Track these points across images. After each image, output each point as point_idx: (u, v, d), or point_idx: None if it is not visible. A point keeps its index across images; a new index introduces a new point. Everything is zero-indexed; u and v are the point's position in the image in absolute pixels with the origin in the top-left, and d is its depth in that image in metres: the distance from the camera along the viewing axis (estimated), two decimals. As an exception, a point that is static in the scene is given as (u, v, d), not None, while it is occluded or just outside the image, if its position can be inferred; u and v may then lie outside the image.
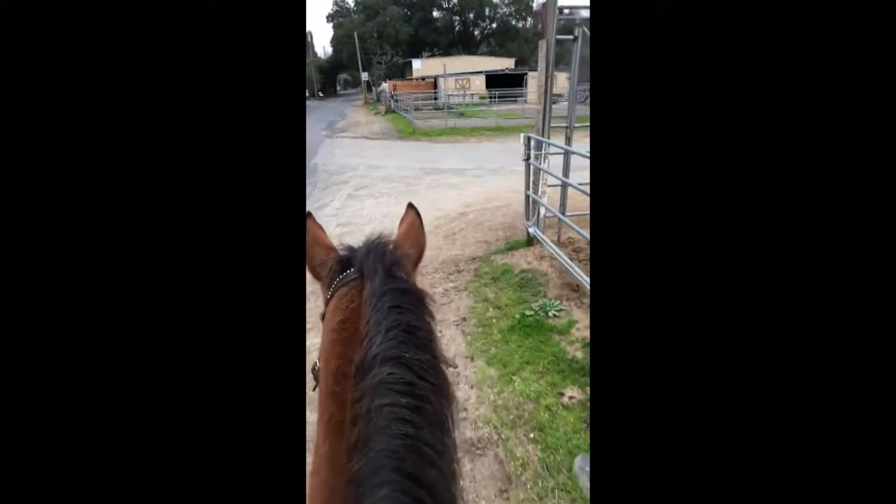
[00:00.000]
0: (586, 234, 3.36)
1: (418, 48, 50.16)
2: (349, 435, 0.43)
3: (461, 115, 20.66)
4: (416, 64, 35.87)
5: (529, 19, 56.86)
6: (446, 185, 8.61)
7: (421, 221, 0.78)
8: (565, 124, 4.36)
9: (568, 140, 4.46)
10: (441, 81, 28.29)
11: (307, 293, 0.63)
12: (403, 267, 0.62)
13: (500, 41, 54.43)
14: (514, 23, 57.01)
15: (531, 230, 4.35)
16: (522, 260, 4.26)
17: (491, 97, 25.58)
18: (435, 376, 0.49)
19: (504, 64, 36.17)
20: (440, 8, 55.85)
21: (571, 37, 4.06)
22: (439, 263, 4.64)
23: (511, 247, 4.72)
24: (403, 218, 0.79)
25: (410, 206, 0.80)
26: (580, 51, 4.04)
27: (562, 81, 33.55)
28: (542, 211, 4.45)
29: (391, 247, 0.64)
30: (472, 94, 28.74)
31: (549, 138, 4.25)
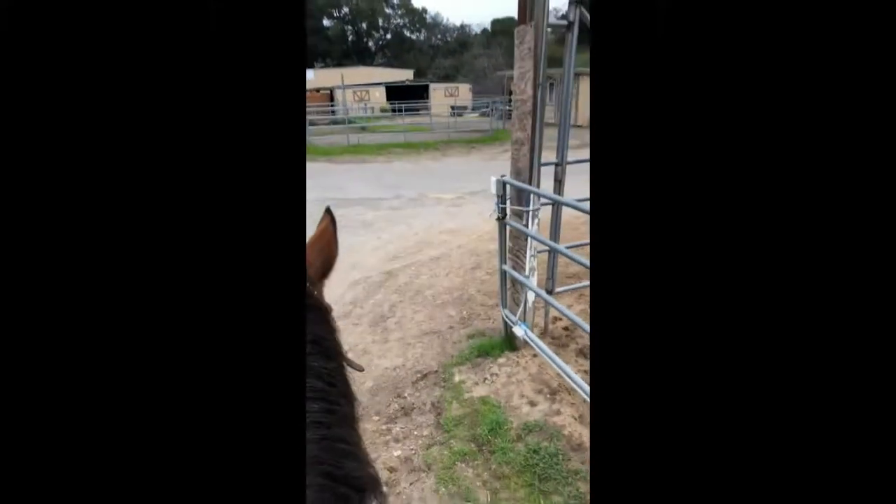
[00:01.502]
0: (586, 325, 1.84)
1: (309, 58, 47.03)
2: None
3: (363, 129, 18.75)
4: (309, 74, 33.05)
5: (424, 31, 56.54)
6: (358, 223, 6.68)
7: (335, 228, 0.70)
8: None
9: (559, 183, 2.90)
10: (339, 93, 26.02)
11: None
12: (308, 279, 0.59)
13: (397, 52, 53.27)
14: (408, 34, 56.32)
15: (520, 332, 2.70)
16: (516, 392, 2.56)
17: (394, 109, 23.94)
18: (342, 382, 0.54)
19: (403, 75, 34.88)
20: (331, 17, 53.25)
21: (565, 22, 2.51)
22: (368, 391, 2.79)
23: (483, 349, 3.02)
24: (319, 223, 0.70)
25: (327, 211, 0.71)
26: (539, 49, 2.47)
27: (464, 92, 33.11)
28: (531, 298, 2.82)
29: None
30: (371, 107, 26.89)
31: (539, 185, 2.64)
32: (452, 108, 24.40)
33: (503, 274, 2.90)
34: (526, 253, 2.70)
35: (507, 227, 2.79)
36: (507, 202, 2.71)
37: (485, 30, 62.58)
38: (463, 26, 59.54)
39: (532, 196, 2.56)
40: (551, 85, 21.88)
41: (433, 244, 5.64)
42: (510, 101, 24.63)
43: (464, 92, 30.66)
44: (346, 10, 52.99)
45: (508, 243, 2.86)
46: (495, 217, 2.75)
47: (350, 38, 54.23)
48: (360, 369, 0.63)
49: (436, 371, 2.92)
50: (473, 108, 26.36)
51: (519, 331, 2.72)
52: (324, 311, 0.58)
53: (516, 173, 2.69)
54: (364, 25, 54.59)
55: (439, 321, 3.61)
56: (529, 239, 2.64)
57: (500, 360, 2.86)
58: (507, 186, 2.69)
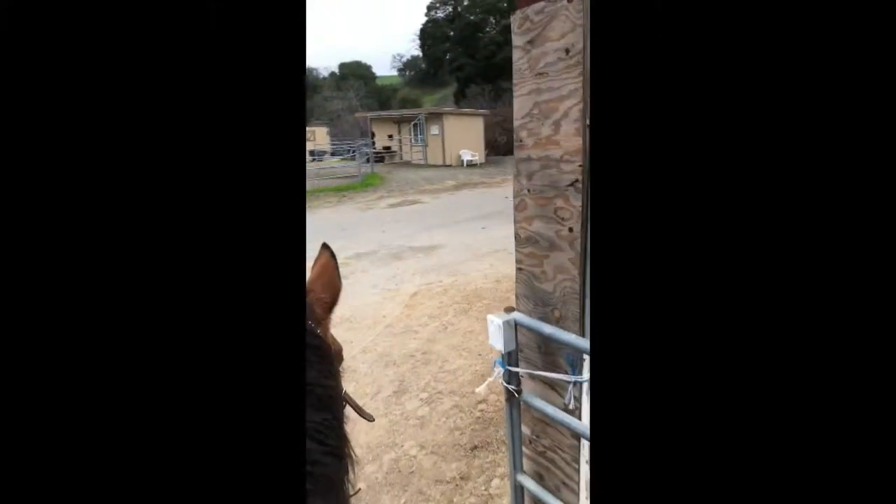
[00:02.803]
0: None
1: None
2: None
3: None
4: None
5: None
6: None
7: (336, 263, 0.70)
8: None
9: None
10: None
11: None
12: (313, 313, 0.58)
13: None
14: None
15: None
16: None
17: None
18: (333, 437, 0.49)
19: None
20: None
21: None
22: None
23: None
24: (316, 259, 0.69)
25: (325, 246, 0.70)
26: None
27: (321, 136, 31.42)
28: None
29: None
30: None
31: (585, 329, 1.31)
32: (311, 152, 22.54)
33: (518, 490, 1.48)
34: (578, 457, 1.33)
35: (517, 406, 1.40)
36: (520, 361, 1.33)
37: (333, 73, 61.77)
38: (310, 70, 57.96)
39: (586, 356, 1.22)
40: (416, 125, 21.27)
41: (376, 349, 3.92)
42: (373, 143, 23.41)
43: (320, 135, 28.88)
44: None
45: (524, 430, 1.46)
46: (505, 396, 1.34)
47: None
48: (371, 419, 0.57)
49: None
50: (333, 153, 24.74)
51: None
52: (323, 349, 0.54)
53: (533, 302, 1.33)
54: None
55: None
56: (582, 441, 1.28)
57: None
58: (517, 327, 1.32)
